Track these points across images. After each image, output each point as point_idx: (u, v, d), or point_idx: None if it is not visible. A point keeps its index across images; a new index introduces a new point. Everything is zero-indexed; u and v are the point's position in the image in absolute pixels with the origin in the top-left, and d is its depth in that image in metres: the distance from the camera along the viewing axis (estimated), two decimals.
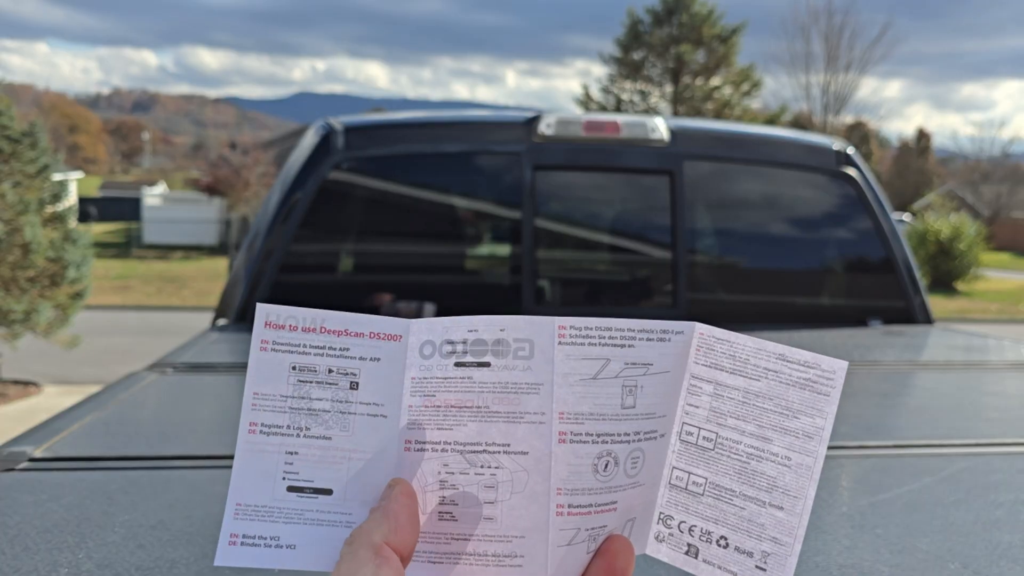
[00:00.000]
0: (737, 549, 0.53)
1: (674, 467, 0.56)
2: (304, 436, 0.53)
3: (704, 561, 0.55)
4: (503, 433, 0.52)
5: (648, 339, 0.53)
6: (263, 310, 0.54)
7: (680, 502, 0.56)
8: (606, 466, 0.53)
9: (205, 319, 6.78)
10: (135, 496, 1.18)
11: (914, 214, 29.70)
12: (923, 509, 1.18)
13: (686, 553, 0.55)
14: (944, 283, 20.94)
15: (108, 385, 1.92)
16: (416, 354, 0.53)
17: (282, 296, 2.78)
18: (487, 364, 0.52)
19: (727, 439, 0.54)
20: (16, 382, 9.10)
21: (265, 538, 0.52)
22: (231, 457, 0.54)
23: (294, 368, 0.53)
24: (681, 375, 0.55)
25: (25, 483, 1.23)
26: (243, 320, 2.83)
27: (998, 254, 31.18)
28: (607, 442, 0.53)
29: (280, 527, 0.53)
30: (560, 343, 0.52)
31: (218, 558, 0.52)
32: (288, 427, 0.53)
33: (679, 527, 0.56)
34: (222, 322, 2.95)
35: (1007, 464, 1.44)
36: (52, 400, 8.35)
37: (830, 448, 1.47)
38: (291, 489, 0.53)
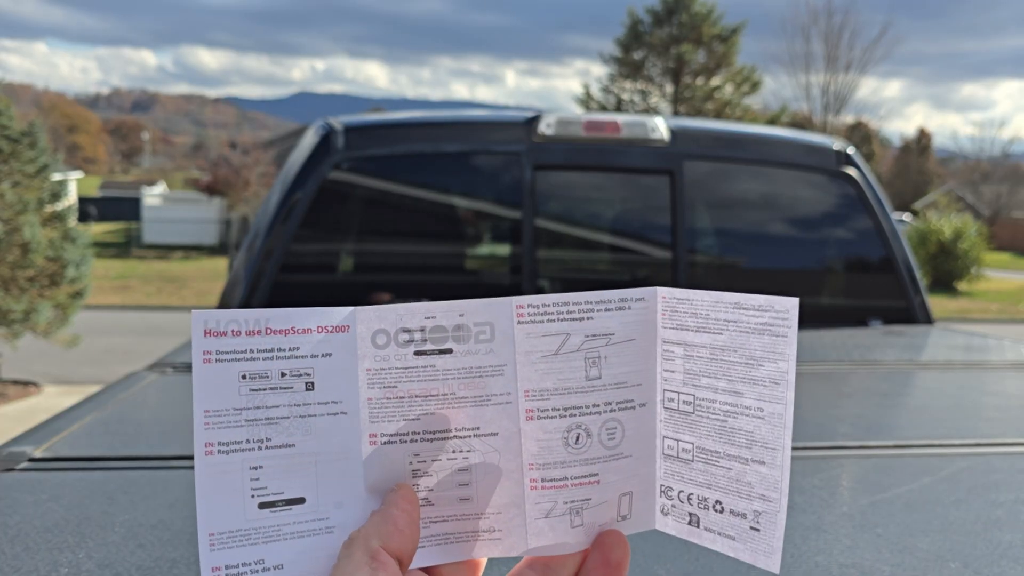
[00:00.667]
0: (732, 512, 0.53)
1: (664, 436, 0.56)
2: (266, 448, 0.50)
3: (705, 529, 0.55)
4: (471, 417, 0.52)
5: (606, 309, 0.53)
6: (200, 317, 0.49)
7: (675, 471, 0.56)
8: (577, 439, 0.53)
9: None
10: (135, 496, 1.18)
11: (915, 214, 29.70)
12: (923, 509, 1.18)
13: (689, 523, 0.55)
14: (945, 283, 20.95)
15: (108, 385, 1.92)
16: (368, 344, 0.52)
17: (282, 296, 2.78)
18: (449, 351, 0.52)
19: (704, 399, 0.54)
20: (16, 382, 9.10)
21: (249, 564, 0.49)
22: None
23: (244, 377, 0.50)
24: (650, 342, 0.55)
25: (25, 483, 1.23)
26: None
27: (998, 254, 31.19)
28: (575, 415, 0.53)
29: (261, 549, 0.50)
30: (519, 322, 0.52)
31: None
32: (248, 441, 0.50)
33: (679, 497, 0.56)
34: None
35: (1007, 464, 1.44)
36: (52, 400, 8.35)
37: (831, 448, 1.47)
38: (263, 506, 0.50)
